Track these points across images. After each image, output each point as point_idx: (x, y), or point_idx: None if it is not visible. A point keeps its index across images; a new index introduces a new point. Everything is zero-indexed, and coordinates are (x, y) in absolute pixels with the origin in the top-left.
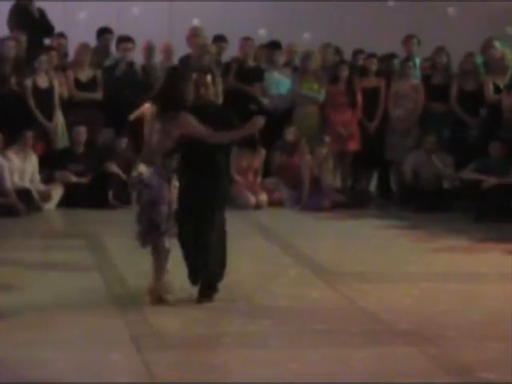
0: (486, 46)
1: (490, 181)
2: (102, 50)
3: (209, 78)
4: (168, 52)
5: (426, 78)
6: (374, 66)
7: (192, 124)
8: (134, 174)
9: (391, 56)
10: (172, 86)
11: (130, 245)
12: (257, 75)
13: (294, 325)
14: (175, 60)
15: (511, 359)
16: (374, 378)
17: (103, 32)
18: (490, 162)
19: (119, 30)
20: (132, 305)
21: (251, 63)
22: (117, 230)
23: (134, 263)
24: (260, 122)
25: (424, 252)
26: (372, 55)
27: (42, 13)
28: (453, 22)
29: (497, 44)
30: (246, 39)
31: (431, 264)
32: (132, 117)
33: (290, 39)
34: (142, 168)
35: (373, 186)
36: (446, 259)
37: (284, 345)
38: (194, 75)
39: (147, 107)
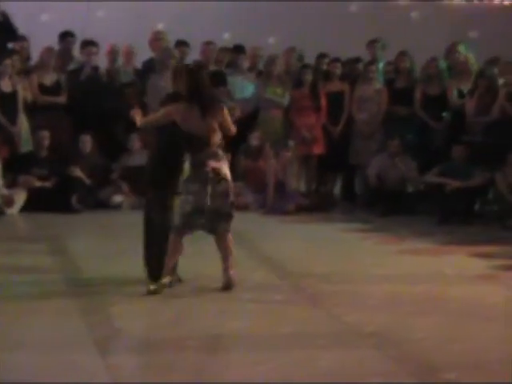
0: (450, 51)
1: (454, 184)
2: (64, 54)
3: None
4: (129, 55)
5: (389, 82)
6: (337, 70)
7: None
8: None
9: (355, 60)
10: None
11: (93, 248)
12: (219, 79)
13: (260, 328)
14: (138, 63)
15: (474, 360)
16: (339, 380)
17: (65, 35)
18: (453, 166)
19: (84, 33)
20: (95, 307)
21: (213, 67)
22: (80, 234)
23: (97, 266)
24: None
25: (388, 254)
26: (336, 59)
27: (5, 16)
28: (416, 26)
29: (461, 48)
30: (208, 43)
31: (396, 266)
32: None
33: (254, 43)
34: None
35: (338, 189)
36: (410, 261)
37: (249, 348)
38: None
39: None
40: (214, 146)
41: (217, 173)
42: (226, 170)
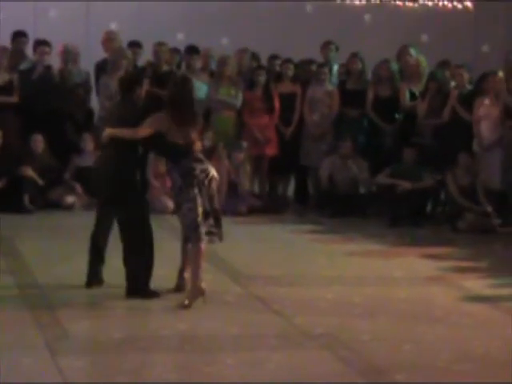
0: (402, 53)
1: (404, 185)
2: (16, 54)
3: None
4: (64, 55)
5: (340, 84)
6: (290, 71)
7: None
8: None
9: (309, 62)
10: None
11: (44, 249)
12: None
13: (209, 329)
14: (86, 64)
15: (423, 361)
16: (288, 381)
17: (18, 35)
18: (403, 168)
19: (36, 33)
20: (46, 309)
21: (165, 68)
22: (32, 234)
23: (48, 267)
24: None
25: (339, 256)
26: (288, 60)
27: None
28: (368, 28)
29: (412, 51)
30: (160, 44)
31: (346, 268)
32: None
33: (207, 44)
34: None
35: (291, 190)
36: (360, 263)
37: (198, 349)
38: None
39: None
40: (197, 152)
41: (207, 174)
42: (213, 171)
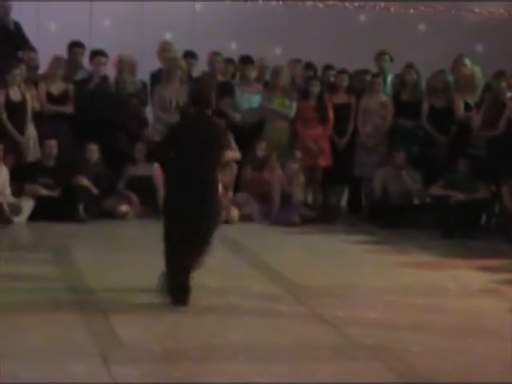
0: (456, 64)
1: (458, 196)
2: (72, 64)
3: None
4: (119, 65)
5: (395, 95)
6: (344, 82)
7: None
8: None
9: (363, 72)
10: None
11: (98, 258)
12: (226, 90)
13: (262, 338)
14: (141, 74)
15: (474, 373)
16: None
17: (74, 45)
18: (458, 179)
19: (90, 42)
20: (99, 317)
21: (220, 78)
22: (86, 244)
23: (101, 275)
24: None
25: (391, 266)
26: (343, 71)
27: (17, 26)
28: (423, 38)
29: (467, 61)
30: (215, 54)
31: (397, 278)
32: None
33: (260, 54)
34: None
35: (344, 201)
36: (412, 274)
37: (250, 359)
38: None
39: None
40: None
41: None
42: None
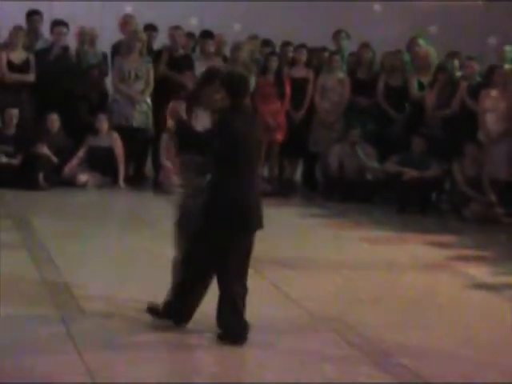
0: (411, 44)
1: (411, 173)
2: (32, 32)
3: None
4: (80, 36)
5: (350, 73)
6: (303, 56)
7: None
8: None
9: (321, 49)
10: None
11: (58, 226)
12: (186, 63)
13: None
14: (103, 46)
15: (429, 345)
16: (299, 364)
17: (31, 14)
18: (411, 156)
19: (51, 14)
20: (61, 287)
21: (181, 51)
22: (46, 212)
23: (61, 244)
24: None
25: (347, 241)
26: (302, 45)
27: None
28: (378, 19)
29: (421, 42)
30: (176, 28)
31: (354, 253)
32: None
33: (219, 30)
34: None
35: (299, 176)
36: (367, 248)
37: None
38: None
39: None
40: None
41: None
42: None
